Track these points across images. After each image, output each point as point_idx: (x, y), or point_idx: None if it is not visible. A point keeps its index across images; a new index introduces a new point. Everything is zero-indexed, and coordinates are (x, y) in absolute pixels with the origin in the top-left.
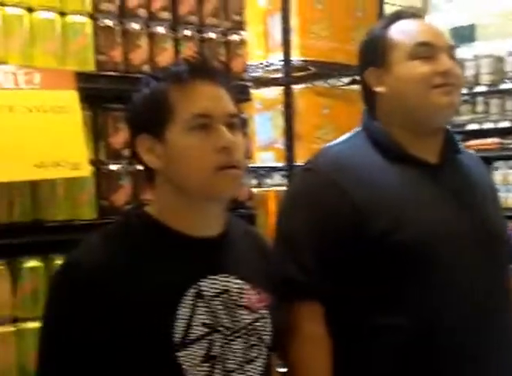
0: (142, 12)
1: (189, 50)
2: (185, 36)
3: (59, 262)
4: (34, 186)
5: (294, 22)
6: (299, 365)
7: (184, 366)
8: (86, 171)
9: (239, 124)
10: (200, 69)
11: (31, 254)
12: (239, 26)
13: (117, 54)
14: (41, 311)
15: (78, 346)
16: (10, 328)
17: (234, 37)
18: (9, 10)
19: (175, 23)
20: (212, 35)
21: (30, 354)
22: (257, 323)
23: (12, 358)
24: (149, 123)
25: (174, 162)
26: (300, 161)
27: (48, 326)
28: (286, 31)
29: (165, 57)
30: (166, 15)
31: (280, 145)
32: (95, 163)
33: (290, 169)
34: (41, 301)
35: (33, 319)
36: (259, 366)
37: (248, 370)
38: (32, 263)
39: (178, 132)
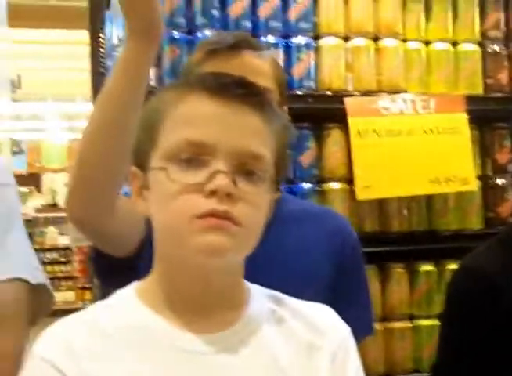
0: None
1: None
2: None
3: (450, 267)
4: (429, 199)
5: None
6: None
7: None
8: (474, 185)
9: None
10: None
11: (426, 259)
12: None
13: (503, 77)
14: (433, 310)
15: (475, 346)
16: (407, 324)
17: None
18: (410, 45)
19: None
20: None
21: (424, 348)
22: None
23: (408, 350)
24: None
25: None
26: None
27: (449, 325)
28: None
29: None
30: None
31: None
32: (482, 178)
33: None
34: (433, 302)
35: (427, 317)
36: None
37: None
38: (427, 267)
39: None
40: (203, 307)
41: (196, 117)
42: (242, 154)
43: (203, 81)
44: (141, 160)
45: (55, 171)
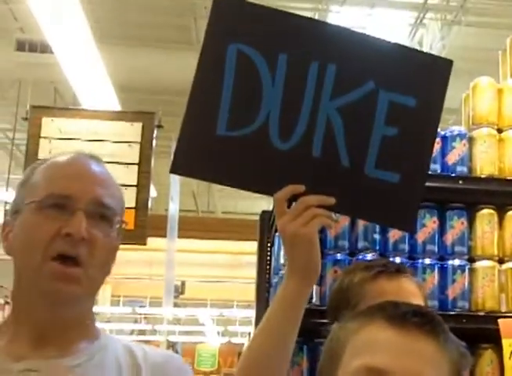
0: None
1: None
2: None
3: None
4: None
5: None
6: None
7: None
8: None
9: None
10: None
11: None
12: None
13: None
14: None
15: None
16: None
17: None
18: None
19: None
20: None
21: None
22: None
23: None
24: None
25: None
26: None
27: None
28: None
29: None
30: None
31: None
32: None
33: None
34: None
35: None
36: None
37: None
38: None
39: None
40: None
41: (374, 344)
42: None
43: (383, 309)
44: None
45: (206, 374)
